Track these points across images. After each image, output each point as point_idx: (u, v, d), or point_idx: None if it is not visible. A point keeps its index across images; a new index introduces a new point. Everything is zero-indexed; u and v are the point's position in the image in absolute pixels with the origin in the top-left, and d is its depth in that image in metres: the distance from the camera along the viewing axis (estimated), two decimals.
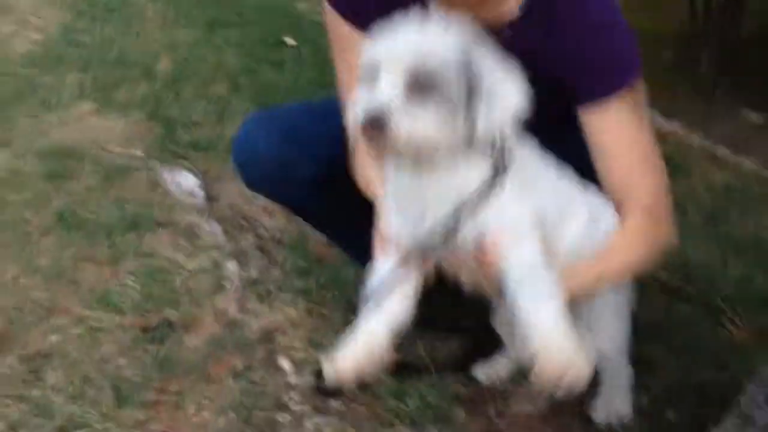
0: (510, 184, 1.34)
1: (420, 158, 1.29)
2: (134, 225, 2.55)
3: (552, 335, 1.26)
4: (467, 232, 1.36)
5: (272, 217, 2.69)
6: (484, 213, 1.34)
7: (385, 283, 1.45)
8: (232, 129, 3.34)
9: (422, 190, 1.36)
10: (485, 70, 1.27)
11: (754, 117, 3.66)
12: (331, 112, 1.86)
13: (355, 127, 1.25)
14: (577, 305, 1.46)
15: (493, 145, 1.32)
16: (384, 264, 1.48)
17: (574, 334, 1.27)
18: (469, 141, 1.27)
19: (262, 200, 2.76)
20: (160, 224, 2.57)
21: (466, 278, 1.52)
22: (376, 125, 1.20)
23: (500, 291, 1.36)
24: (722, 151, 3.25)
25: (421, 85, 1.22)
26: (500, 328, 1.89)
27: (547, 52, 1.53)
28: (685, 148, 3.28)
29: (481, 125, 1.25)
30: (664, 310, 2.24)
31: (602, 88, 1.53)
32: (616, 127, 1.55)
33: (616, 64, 1.54)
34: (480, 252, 1.38)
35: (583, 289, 1.51)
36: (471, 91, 1.25)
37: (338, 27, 1.79)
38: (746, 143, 3.40)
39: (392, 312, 1.44)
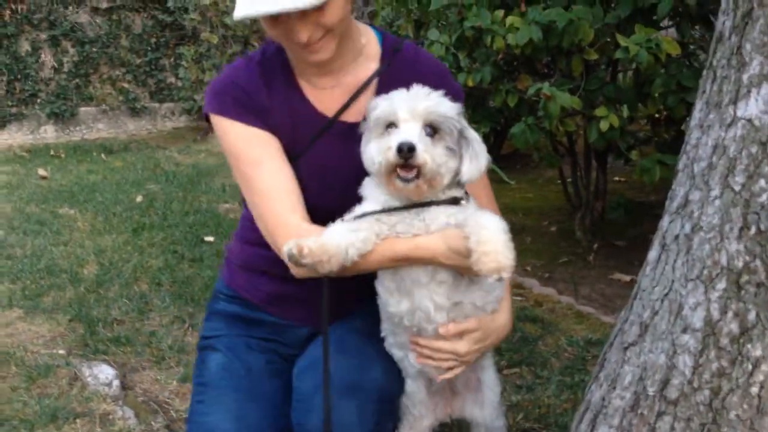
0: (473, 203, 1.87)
1: (431, 183, 1.76)
2: (54, 418, 2.78)
3: (495, 237, 1.68)
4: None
5: (183, 400, 2.95)
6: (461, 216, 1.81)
7: None
8: (150, 324, 3.67)
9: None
10: (471, 133, 1.82)
11: (624, 278, 4.11)
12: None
13: (386, 157, 1.72)
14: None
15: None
16: None
17: (509, 242, 1.69)
18: (455, 177, 1.80)
19: (174, 386, 3.05)
20: (77, 415, 2.81)
21: None
22: (409, 152, 1.69)
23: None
24: (588, 309, 3.67)
25: (432, 131, 1.76)
26: None
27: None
28: (557, 309, 3.69)
29: (466, 168, 1.79)
30: None
31: None
32: None
33: (448, 88, 1.92)
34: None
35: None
36: (460, 143, 1.79)
37: (257, 139, 1.97)
38: (613, 301, 3.84)
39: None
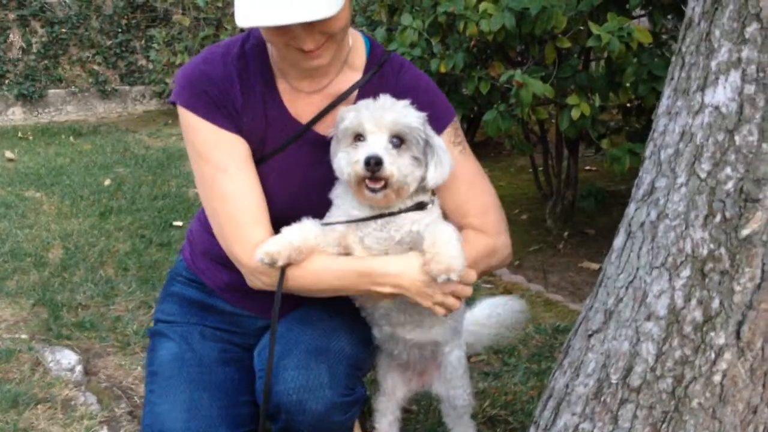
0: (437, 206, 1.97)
1: (399, 193, 1.82)
2: (14, 404, 2.73)
3: (449, 242, 1.78)
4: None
5: None
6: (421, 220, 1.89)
7: None
8: (116, 309, 3.62)
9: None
10: (435, 140, 1.87)
11: (593, 266, 4.13)
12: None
13: (355, 169, 1.76)
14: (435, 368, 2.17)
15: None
16: None
17: (461, 247, 1.78)
18: (421, 183, 1.86)
19: (138, 371, 3.01)
20: (38, 401, 2.76)
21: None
22: (376, 165, 1.73)
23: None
24: (556, 297, 3.68)
25: (398, 141, 1.80)
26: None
27: None
28: (526, 296, 3.69)
29: (431, 175, 1.85)
30: None
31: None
32: None
33: (437, 107, 1.99)
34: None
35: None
36: (425, 151, 1.83)
37: (226, 143, 1.94)
38: (582, 289, 3.85)
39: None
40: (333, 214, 1.92)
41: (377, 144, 1.77)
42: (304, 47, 1.81)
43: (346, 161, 1.79)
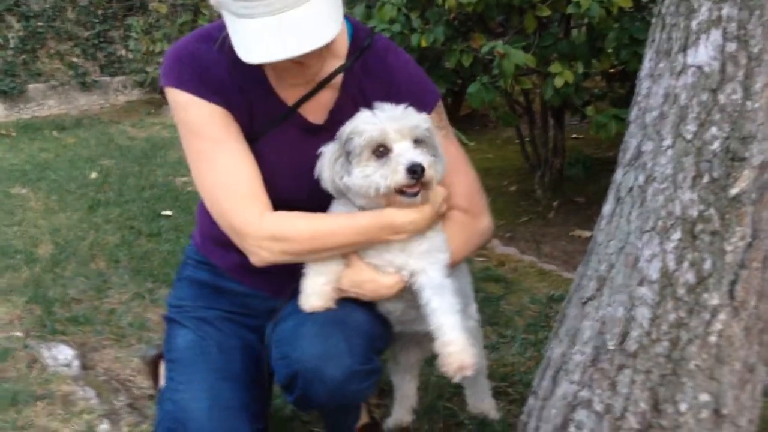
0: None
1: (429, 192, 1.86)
2: (13, 401, 2.72)
3: (459, 339, 1.78)
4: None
5: (145, 377, 2.91)
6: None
7: None
8: (109, 302, 3.61)
9: None
10: (436, 139, 1.89)
11: (585, 233, 4.14)
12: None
13: (395, 180, 1.77)
14: None
15: None
16: None
17: (469, 338, 1.80)
18: None
19: (135, 363, 3.00)
20: (37, 397, 2.75)
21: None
22: (419, 171, 1.75)
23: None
24: (550, 267, 3.69)
25: (416, 144, 1.81)
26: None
27: (367, 90, 1.99)
28: (519, 267, 3.70)
29: (440, 169, 1.88)
30: None
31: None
32: None
33: (423, 90, 2.01)
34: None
35: None
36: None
37: (219, 117, 1.93)
38: (574, 258, 3.86)
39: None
40: None
41: (411, 151, 1.79)
42: (309, 67, 1.88)
43: (380, 175, 1.79)
